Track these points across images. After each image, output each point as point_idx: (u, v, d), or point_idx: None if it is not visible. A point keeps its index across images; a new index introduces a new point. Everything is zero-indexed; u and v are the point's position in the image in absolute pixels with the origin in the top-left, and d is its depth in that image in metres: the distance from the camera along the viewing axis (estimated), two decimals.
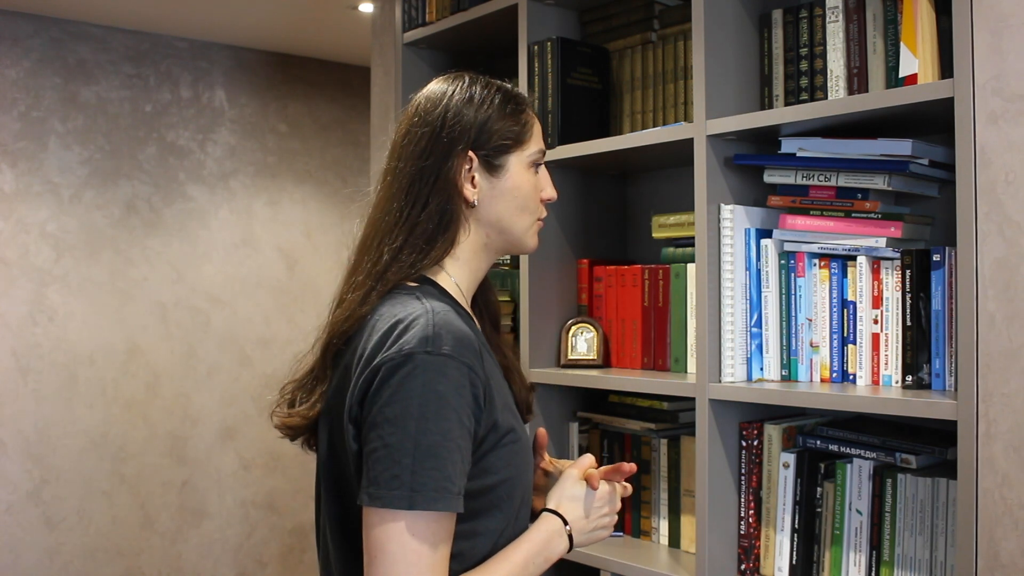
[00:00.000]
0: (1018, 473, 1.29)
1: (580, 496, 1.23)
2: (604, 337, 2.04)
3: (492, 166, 1.23)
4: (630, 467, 1.28)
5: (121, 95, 4.02)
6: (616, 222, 2.26)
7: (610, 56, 2.11)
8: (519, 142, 1.24)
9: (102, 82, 3.97)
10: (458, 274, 1.24)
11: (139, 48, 4.07)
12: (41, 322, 3.80)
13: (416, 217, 1.19)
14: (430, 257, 1.20)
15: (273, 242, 4.44)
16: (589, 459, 1.29)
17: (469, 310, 1.27)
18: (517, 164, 1.24)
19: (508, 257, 2.28)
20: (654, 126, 1.99)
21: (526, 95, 1.30)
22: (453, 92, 1.23)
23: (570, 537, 1.20)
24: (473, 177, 1.22)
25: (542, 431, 1.36)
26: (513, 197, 1.24)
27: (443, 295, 1.20)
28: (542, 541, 1.18)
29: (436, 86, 1.26)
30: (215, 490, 4.22)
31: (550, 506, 1.22)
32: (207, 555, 4.18)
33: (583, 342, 2.04)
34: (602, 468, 1.28)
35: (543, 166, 1.30)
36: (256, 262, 4.38)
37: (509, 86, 1.29)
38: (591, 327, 2.05)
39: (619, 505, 1.29)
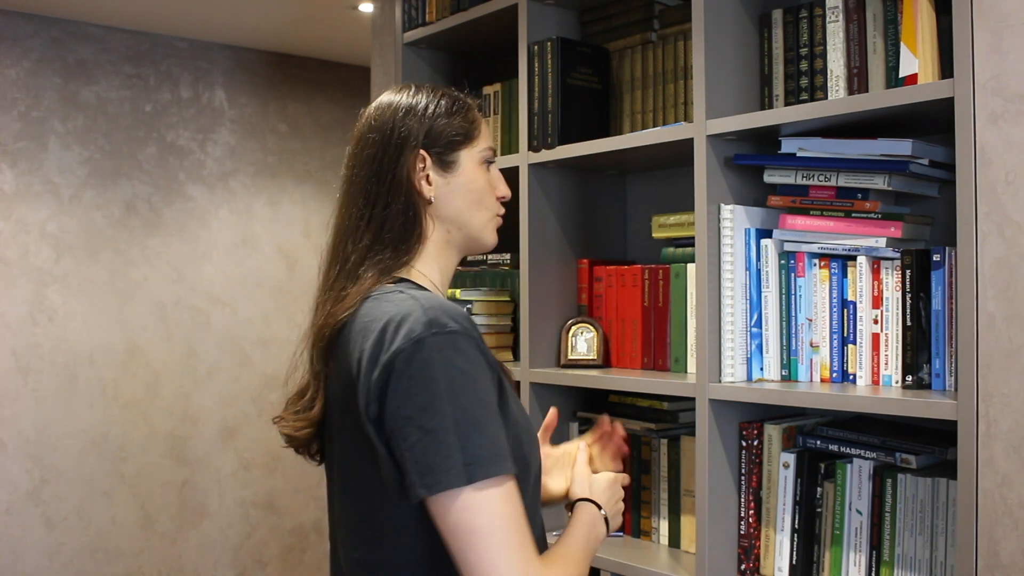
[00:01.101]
0: (1018, 473, 1.29)
1: (601, 481, 1.34)
2: (604, 337, 2.04)
3: (445, 163, 1.27)
4: (616, 429, 1.43)
5: (121, 95, 4.02)
6: (616, 222, 2.26)
7: (610, 56, 2.11)
8: (469, 138, 1.29)
9: (102, 82, 3.97)
10: (429, 272, 1.28)
11: (139, 48, 4.07)
12: (41, 322, 3.79)
13: (381, 217, 1.23)
14: (405, 255, 1.24)
15: (273, 242, 4.44)
16: (585, 444, 1.42)
17: None
18: (469, 160, 1.29)
19: (508, 257, 2.28)
20: (654, 126, 1.99)
21: (471, 101, 1.35)
22: (400, 99, 1.28)
23: (606, 520, 1.30)
24: (428, 175, 1.26)
25: (554, 410, 1.44)
26: (468, 191, 1.28)
27: (423, 290, 1.23)
28: (589, 524, 1.27)
29: (384, 97, 1.31)
30: (215, 490, 4.22)
31: (581, 496, 1.32)
32: (207, 555, 4.18)
33: (583, 342, 2.04)
34: (594, 433, 1.43)
35: (494, 165, 1.34)
36: (256, 262, 4.38)
37: (455, 91, 1.34)
38: (591, 327, 2.05)
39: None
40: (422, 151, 1.25)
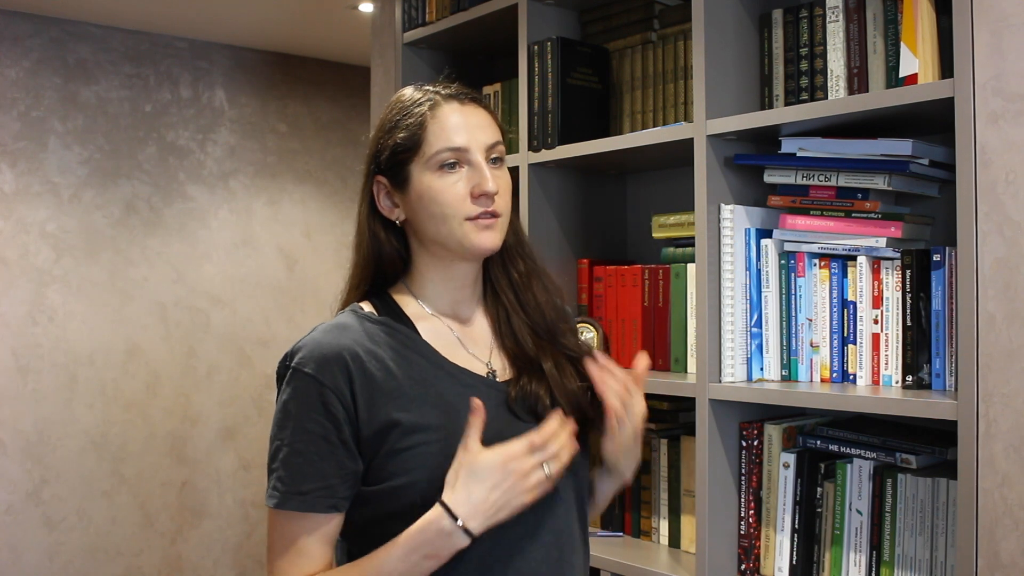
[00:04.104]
0: (1018, 473, 1.29)
1: (479, 470, 1.09)
2: (604, 337, 2.04)
3: (399, 182, 1.22)
4: (642, 367, 1.23)
5: (121, 95, 4.02)
6: (616, 222, 2.26)
7: (610, 56, 2.11)
8: (412, 149, 1.19)
9: (102, 82, 3.97)
10: (422, 291, 1.26)
11: (139, 48, 4.07)
12: (41, 322, 3.79)
13: (363, 254, 1.26)
14: (392, 279, 1.27)
15: (273, 242, 4.44)
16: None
17: (412, 321, 1.24)
18: (417, 172, 1.20)
19: None
20: (654, 126, 1.99)
21: (439, 91, 1.23)
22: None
23: (467, 530, 1.08)
24: (393, 199, 1.24)
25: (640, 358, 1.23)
26: (422, 207, 1.20)
27: (385, 310, 1.23)
28: (421, 541, 1.08)
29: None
30: (215, 490, 4.22)
31: (444, 495, 1.09)
32: (207, 555, 4.18)
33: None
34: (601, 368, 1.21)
35: (476, 160, 1.19)
36: (256, 262, 4.38)
37: (420, 89, 1.24)
38: (591, 327, 2.05)
39: (554, 450, 1.11)
40: (378, 177, 1.24)
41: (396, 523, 1.14)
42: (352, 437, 1.13)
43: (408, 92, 1.25)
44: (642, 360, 1.24)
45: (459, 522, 1.07)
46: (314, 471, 1.12)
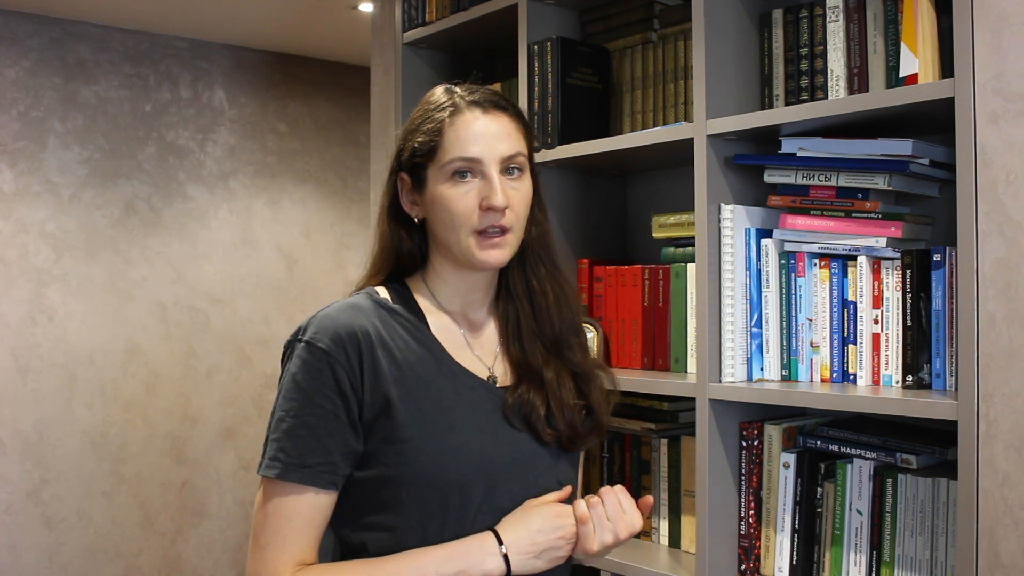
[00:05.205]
0: (1018, 473, 1.29)
1: (539, 515, 1.19)
2: (604, 337, 2.04)
3: (418, 182, 1.23)
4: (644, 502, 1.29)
5: (121, 95, 4.02)
6: (616, 222, 2.26)
7: (610, 56, 2.11)
8: (430, 155, 1.20)
9: (102, 82, 3.97)
10: (436, 288, 1.27)
11: (139, 48, 4.07)
12: (40, 322, 3.79)
13: (383, 246, 1.28)
14: (410, 271, 1.28)
15: (273, 242, 4.44)
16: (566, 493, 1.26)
17: (424, 314, 1.25)
18: (433, 178, 1.21)
19: None
20: (654, 126, 1.99)
21: (464, 96, 1.22)
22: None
23: (506, 558, 1.15)
24: (413, 197, 1.25)
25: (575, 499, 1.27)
26: (435, 212, 1.21)
27: (399, 299, 1.25)
28: (460, 554, 1.14)
29: None
30: (215, 490, 4.22)
31: (498, 525, 1.18)
32: (207, 555, 4.18)
33: None
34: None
35: (488, 172, 1.19)
36: (256, 262, 4.38)
37: (443, 94, 1.24)
38: (591, 327, 2.05)
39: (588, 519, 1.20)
40: (401, 175, 1.25)
41: (388, 515, 1.16)
42: (357, 417, 1.15)
43: (436, 93, 1.25)
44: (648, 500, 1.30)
45: (503, 548, 1.14)
46: (320, 446, 1.13)
